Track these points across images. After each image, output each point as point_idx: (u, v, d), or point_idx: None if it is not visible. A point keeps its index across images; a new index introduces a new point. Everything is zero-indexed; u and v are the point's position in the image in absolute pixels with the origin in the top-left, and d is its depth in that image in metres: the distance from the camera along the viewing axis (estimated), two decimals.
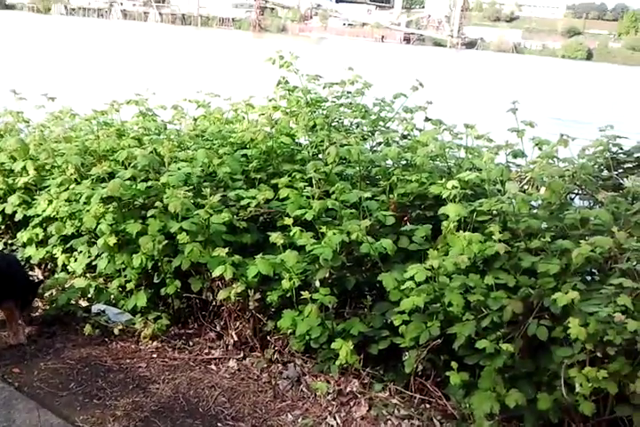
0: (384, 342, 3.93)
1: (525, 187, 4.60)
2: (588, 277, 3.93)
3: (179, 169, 4.69)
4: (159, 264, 4.50)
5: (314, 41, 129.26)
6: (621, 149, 4.76)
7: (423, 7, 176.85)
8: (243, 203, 4.44)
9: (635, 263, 3.37)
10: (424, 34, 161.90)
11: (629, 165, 4.66)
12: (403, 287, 3.71)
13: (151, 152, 4.92)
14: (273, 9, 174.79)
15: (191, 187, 4.58)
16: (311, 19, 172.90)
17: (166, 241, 4.34)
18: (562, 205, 4.04)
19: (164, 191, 4.43)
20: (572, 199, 4.59)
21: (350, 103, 5.86)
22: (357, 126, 5.70)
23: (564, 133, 4.35)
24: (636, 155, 4.64)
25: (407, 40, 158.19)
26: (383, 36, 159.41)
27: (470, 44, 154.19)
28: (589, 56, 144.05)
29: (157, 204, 4.39)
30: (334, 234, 4.02)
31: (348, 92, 5.87)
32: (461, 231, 3.80)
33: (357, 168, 4.72)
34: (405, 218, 4.48)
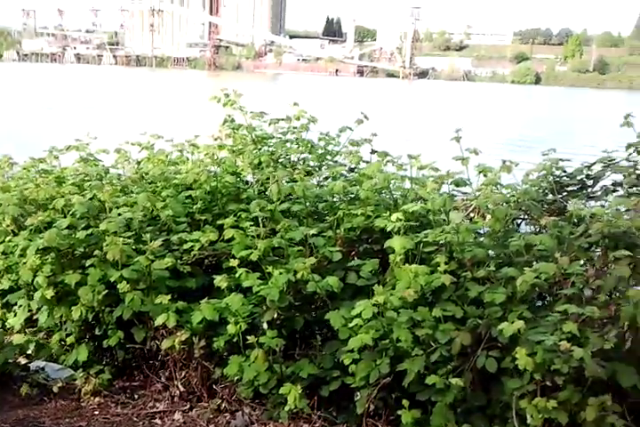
0: (335, 382, 3.83)
1: (472, 215, 4.59)
2: (540, 302, 3.91)
3: (119, 215, 4.56)
4: (100, 315, 4.34)
5: (269, 77, 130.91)
6: (564, 171, 4.79)
7: (375, 40, 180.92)
8: (186, 246, 4.32)
9: (581, 287, 3.35)
10: (377, 66, 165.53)
11: (573, 188, 4.68)
12: (351, 325, 3.63)
13: (91, 198, 4.79)
14: (227, 47, 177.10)
15: (133, 232, 4.46)
16: (266, 55, 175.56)
17: (106, 291, 4.19)
18: (507, 231, 4.03)
19: (104, 239, 4.29)
20: (519, 225, 4.59)
21: (297, 138, 5.83)
22: (304, 162, 5.65)
23: (507, 160, 4.38)
24: (578, 177, 4.67)
25: (361, 73, 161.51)
26: (337, 70, 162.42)
27: (422, 74, 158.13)
28: (538, 80, 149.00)
29: (97, 252, 4.25)
30: (280, 273, 3.92)
31: (294, 128, 5.84)
32: (407, 264, 3.74)
33: (303, 204, 4.66)
34: (353, 253, 4.41)
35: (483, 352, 3.35)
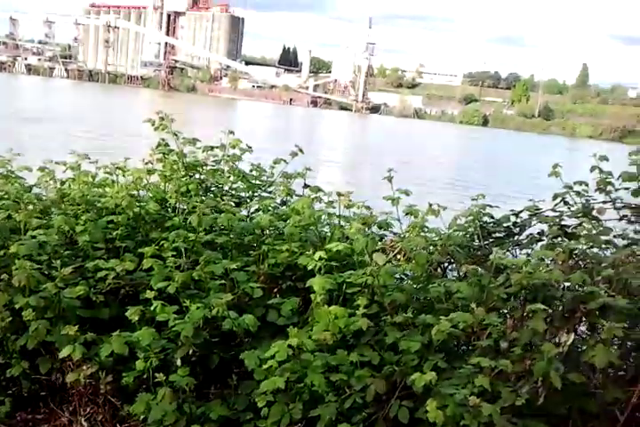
0: (247, 425, 3.66)
1: (398, 257, 4.54)
2: (465, 348, 3.86)
3: (33, 237, 4.34)
4: (4, 343, 4.07)
5: (223, 101, 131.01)
6: (492, 217, 4.81)
7: (330, 72, 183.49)
8: (101, 274, 4.13)
9: (497, 338, 3.31)
10: (331, 98, 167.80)
11: (499, 235, 4.69)
12: (265, 366, 3.49)
13: (9, 218, 4.55)
14: (182, 69, 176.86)
15: (46, 257, 4.24)
16: (221, 79, 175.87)
17: (11, 317, 3.94)
18: (430, 276, 3.99)
19: (15, 262, 4.06)
20: (445, 270, 4.56)
21: (231, 167, 5.72)
22: (235, 192, 5.54)
23: (434, 203, 4.37)
24: (505, 224, 4.69)
25: (315, 103, 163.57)
26: (292, 99, 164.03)
27: (374, 109, 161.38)
28: (485, 122, 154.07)
29: (4, 276, 4.01)
30: (197, 308, 3.77)
31: (228, 156, 5.73)
32: (326, 306, 3.65)
33: (229, 236, 4.54)
34: (275, 290, 4.30)
35: (396, 401, 3.26)
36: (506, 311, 3.56)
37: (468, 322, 3.26)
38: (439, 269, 4.54)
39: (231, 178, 5.47)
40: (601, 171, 4.45)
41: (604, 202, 4.43)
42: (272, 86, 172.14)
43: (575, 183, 4.53)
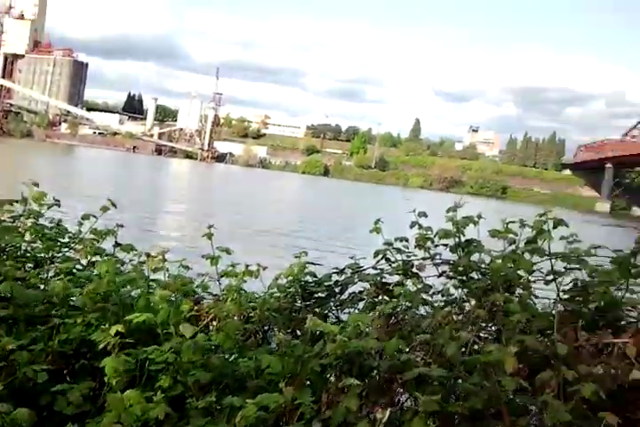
0: None
1: (214, 323, 4.12)
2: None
3: None
4: None
5: (60, 148, 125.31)
6: (315, 277, 4.55)
7: (176, 120, 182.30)
8: None
9: (309, 418, 2.97)
10: (176, 146, 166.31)
11: (321, 295, 4.43)
12: None
13: None
14: (18, 113, 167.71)
15: None
16: (60, 125, 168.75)
17: None
18: (243, 348, 3.60)
19: None
20: (265, 336, 4.19)
21: (34, 223, 5.04)
22: (34, 252, 4.86)
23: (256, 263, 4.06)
24: (326, 283, 4.43)
25: (159, 151, 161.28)
26: (135, 147, 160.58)
27: (220, 158, 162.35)
28: (326, 172, 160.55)
29: None
30: None
31: (26, 211, 5.05)
32: (119, 392, 3.12)
33: (15, 308, 3.89)
34: (66, 371, 3.69)
35: None
36: (321, 386, 3.23)
37: (278, 402, 2.89)
38: (259, 336, 4.16)
39: (27, 237, 4.79)
40: (420, 227, 4.35)
41: (424, 258, 4.32)
42: (115, 133, 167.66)
43: (396, 239, 4.40)
